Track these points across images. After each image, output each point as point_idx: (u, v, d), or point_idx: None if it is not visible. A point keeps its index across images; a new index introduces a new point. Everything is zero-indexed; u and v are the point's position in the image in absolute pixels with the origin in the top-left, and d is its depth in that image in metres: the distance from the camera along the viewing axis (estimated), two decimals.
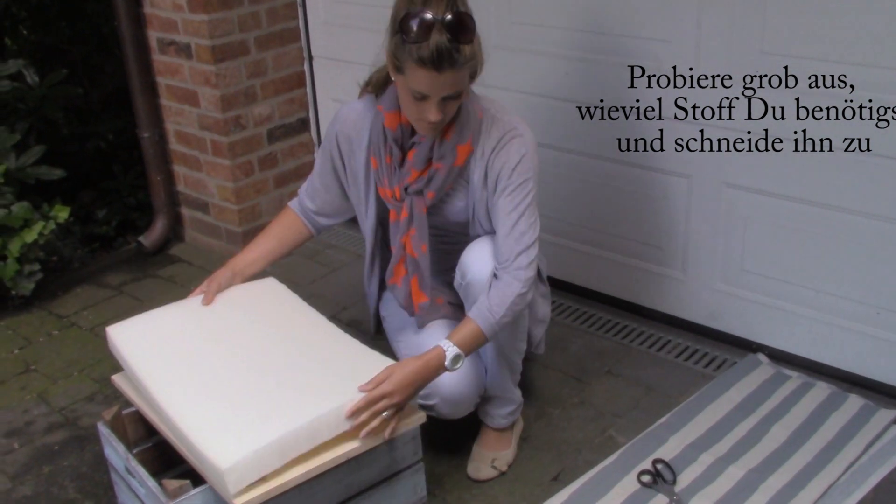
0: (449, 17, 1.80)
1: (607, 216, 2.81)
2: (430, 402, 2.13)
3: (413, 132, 2.04)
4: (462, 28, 1.82)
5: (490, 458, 2.24)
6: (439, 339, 1.98)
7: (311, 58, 3.44)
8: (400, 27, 1.83)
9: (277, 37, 3.32)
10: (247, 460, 1.74)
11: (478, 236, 2.12)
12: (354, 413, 1.84)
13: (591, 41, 2.63)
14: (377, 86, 2.09)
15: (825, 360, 2.51)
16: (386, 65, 1.98)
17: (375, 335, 2.40)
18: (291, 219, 2.34)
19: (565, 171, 2.83)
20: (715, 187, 2.54)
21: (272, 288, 2.33)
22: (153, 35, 3.30)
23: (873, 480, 2.10)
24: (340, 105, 2.21)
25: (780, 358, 2.58)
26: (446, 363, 1.92)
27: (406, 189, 2.07)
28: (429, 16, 1.79)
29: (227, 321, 2.16)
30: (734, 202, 2.52)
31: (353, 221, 2.31)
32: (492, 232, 2.07)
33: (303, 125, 3.51)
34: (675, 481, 2.13)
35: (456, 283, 2.12)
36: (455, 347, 1.93)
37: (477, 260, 2.04)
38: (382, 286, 2.36)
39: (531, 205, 2.01)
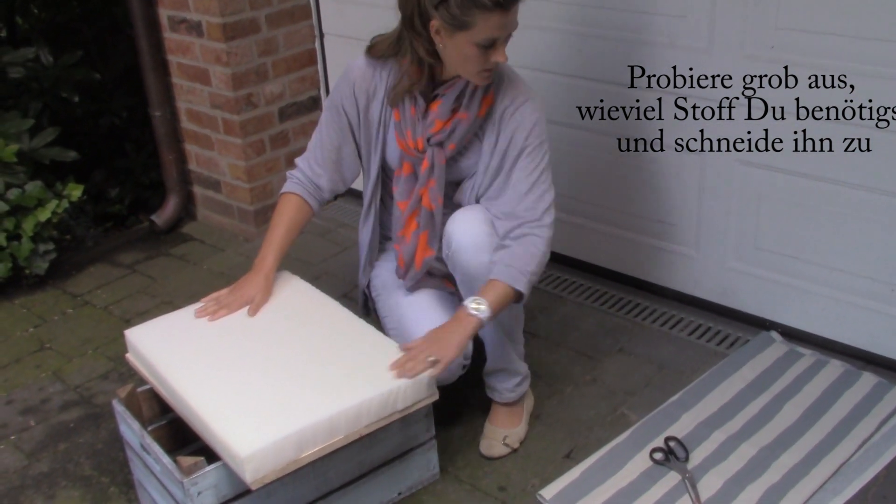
0: None
1: (620, 193, 2.80)
2: None
3: (435, 85, 2.06)
4: None
5: (502, 434, 2.24)
6: (433, 309, 2.13)
7: (321, 35, 3.43)
8: None
9: (288, 14, 3.31)
10: (266, 450, 1.75)
11: (459, 206, 2.15)
12: (396, 366, 1.94)
13: (601, 17, 2.61)
14: (385, 54, 2.10)
15: (839, 338, 2.50)
16: (393, 32, 2.04)
17: (363, 312, 2.40)
18: (296, 203, 2.27)
19: (578, 148, 2.82)
20: (728, 164, 2.53)
21: (288, 280, 2.33)
22: (164, 13, 3.29)
23: (886, 458, 2.10)
24: (347, 62, 2.20)
25: (794, 336, 2.57)
26: (481, 317, 1.96)
27: (428, 140, 2.08)
28: None
29: (244, 316, 2.18)
30: (747, 179, 2.51)
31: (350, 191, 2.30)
32: (474, 201, 2.14)
33: (314, 103, 3.51)
34: (687, 458, 2.14)
35: (444, 255, 2.13)
36: (484, 305, 1.96)
37: (462, 228, 2.06)
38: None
39: (547, 167, 2.09)
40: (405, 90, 2.06)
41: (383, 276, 2.35)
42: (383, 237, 2.37)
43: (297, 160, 2.31)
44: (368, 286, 2.40)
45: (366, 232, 2.34)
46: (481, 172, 2.12)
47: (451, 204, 2.17)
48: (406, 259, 2.21)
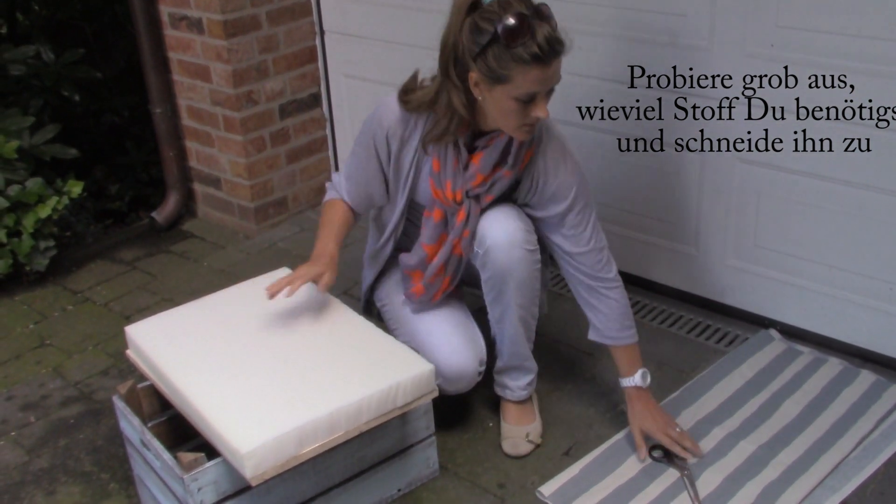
0: (534, 6, 1.82)
1: (619, 192, 2.81)
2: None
3: (476, 136, 2.03)
4: (549, 14, 1.85)
5: (524, 432, 2.25)
6: (446, 321, 2.18)
7: (322, 32, 3.43)
8: (498, 37, 1.80)
9: (289, 11, 3.31)
10: (266, 446, 1.76)
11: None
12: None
13: (601, 15, 2.61)
14: (421, 108, 2.03)
15: (837, 336, 2.51)
16: (431, 88, 1.98)
17: (365, 314, 2.40)
18: (344, 207, 2.24)
19: (578, 147, 2.81)
20: (727, 162, 2.53)
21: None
22: (165, 10, 3.29)
23: (884, 456, 2.11)
24: (379, 102, 2.12)
25: (793, 333, 2.58)
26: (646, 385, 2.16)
27: (467, 192, 2.06)
28: (524, 12, 1.80)
29: (244, 313, 2.18)
30: (747, 177, 2.51)
31: None
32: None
33: (315, 100, 3.51)
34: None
35: (473, 254, 2.12)
36: (640, 372, 2.16)
37: (496, 227, 2.05)
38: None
39: (597, 220, 2.15)
40: (440, 137, 2.01)
41: (389, 286, 2.35)
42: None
43: (333, 182, 2.29)
44: (372, 292, 2.41)
45: (379, 257, 2.33)
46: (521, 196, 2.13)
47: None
48: (426, 296, 2.21)
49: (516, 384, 2.26)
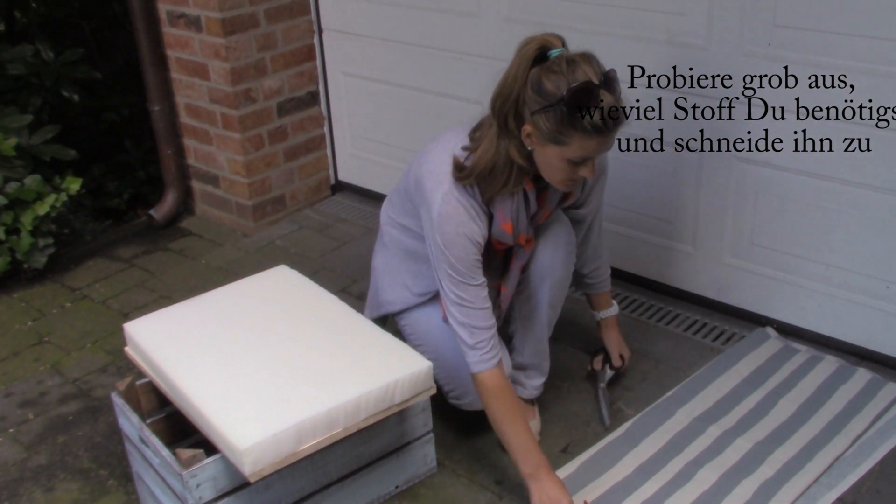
0: (603, 76, 1.77)
1: (618, 191, 2.80)
2: (462, 401, 2.17)
3: (538, 177, 1.96)
4: (616, 82, 1.80)
5: None
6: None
7: (320, 31, 3.44)
8: (568, 101, 1.74)
9: (287, 9, 3.31)
10: (265, 443, 1.76)
11: None
12: None
13: (600, 14, 2.62)
14: (485, 179, 1.90)
15: (834, 335, 2.51)
16: (488, 143, 1.88)
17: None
18: (505, 383, 2.01)
19: None
20: (726, 161, 2.54)
21: (285, 275, 2.34)
22: (163, 8, 3.29)
23: (879, 454, 2.11)
24: (446, 210, 1.90)
25: (790, 332, 2.59)
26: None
27: (532, 223, 2.07)
28: (594, 81, 1.75)
29: (243, 311, 2.19)
30: (744, 176, 2.52)
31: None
32: None
33: (312, 98, 3.51)
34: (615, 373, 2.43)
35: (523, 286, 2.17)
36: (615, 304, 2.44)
37: (543, 227, 2.12)
38: None
39: None
40: (500, 189, 1.92)
41: (418, 310, 2.25)
42: None
43: (477, 339, 1.97)
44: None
45: (409, 299, 2.22)
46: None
47: None
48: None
49: (531, 383, 2.28)
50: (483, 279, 1.97)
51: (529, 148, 1.86)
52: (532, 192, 1.97)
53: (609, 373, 2.41)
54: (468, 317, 1.95)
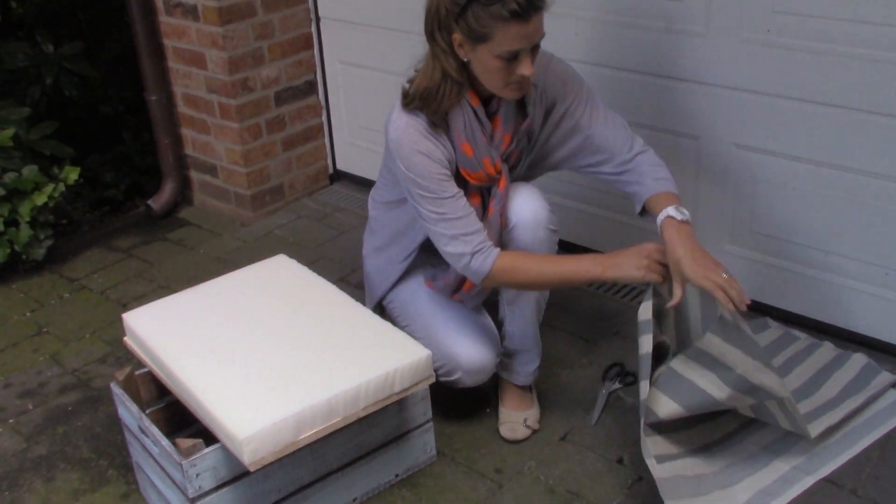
0: None
1: None
2: (452, 378, 2.17)
3: (487, 103, 2.02)
4: None
5: (522, 417, 2.25)
6: (465, 317, 2.16)
7: (318, 19, 3.42)
8: None
9: None
10: (264, 432, 1.76)
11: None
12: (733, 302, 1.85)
13: (598, 0, 2.61)
14: (427, 99, 1.95)
15: (834, 322, 2.51)
16: (421, 74, 1.95)
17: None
18: (517, 253, 2.07)
19: None
20: (724, 148, 2.53)
21: (284, 264, 2.34)
22: None
23: (865, 443, 2.11)
24: (396, 135, 1.99)
25: (789, 319, 2.58)
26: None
27: (501, 157, 2.06)
28: None
29: (242, 300, 2.18)
30: (744, 163, 2.51)
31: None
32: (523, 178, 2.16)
33: (310, 87, 3.50)
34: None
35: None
36: (674, 206, 1.99)
37: (521, 206, 2.05)
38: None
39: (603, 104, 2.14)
40: (440, 104, 1.95)
41: (400, 285, 2.32)
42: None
43: (473, 242, 2.00)
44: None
45: (397, 269, 2.27)
46: (537, 143, 2.12)
47: None
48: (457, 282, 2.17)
49: (524, 369, 2.27)
50: (457, 190, 2.00)
51: (465, 59, 1.90)
52: (480, 109, 1.99)
53: (616, 385, 2.38)
54: (456, 228, 1.98)
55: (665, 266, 1.92)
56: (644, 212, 2.10)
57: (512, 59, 1.86)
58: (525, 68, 1.87)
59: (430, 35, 1.92)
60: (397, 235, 2.26)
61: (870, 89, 2.21)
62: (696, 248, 1.92)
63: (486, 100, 2.01)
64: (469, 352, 2.14)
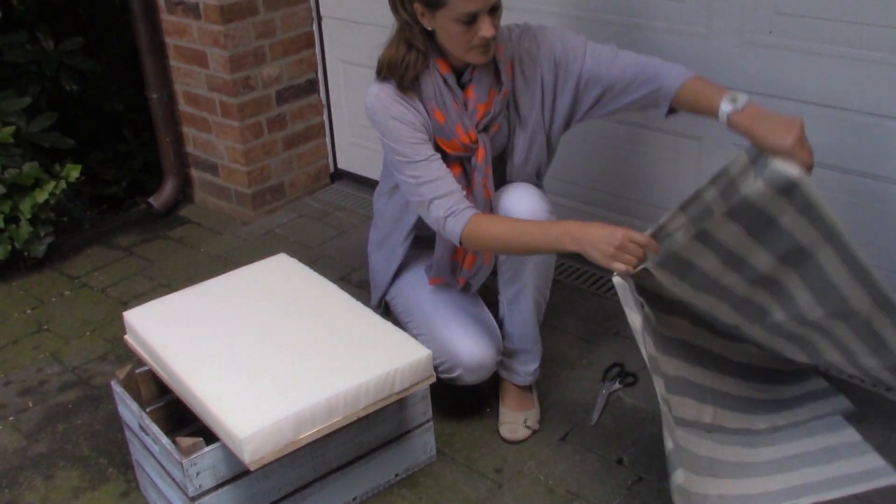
0: None
1: (617, 179, 2.81)
2: (453, 374, 2.17)
3: (460, 74, 2.05)
4: None
5: (522, 417, 2.26)
6: (464, 310, 2.17)
7: (319, 18, 3.42)
8: None
9: None
10: (264, 431, 1.77)
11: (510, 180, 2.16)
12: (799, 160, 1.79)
13: (599, 1, 2.61)
14: (393, 68, 2.01)
15: None
16: (387, 46, 2.03)
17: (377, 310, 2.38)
18: (490, 215, 2.09)
19: (575, 134, 2.82)
20: (725, 149, 2.53)
21: (284, 263, 2.34)
22: None
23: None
24: (371, 102, 2.05)
25: None
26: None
27: (477, 127, 2.06)
28: None
29: (242, 299, 2.19)
30: None
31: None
32: (530, 167, 2.17)
33: (311, 86, 3.50)
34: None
35: None
36: (724, 98, 1.92)
37: (519, 204, 2.05)
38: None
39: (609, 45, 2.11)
40: (406, 71, 2.00)
41: (400, 280, 2.34)
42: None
43: (447, 205, 2.00)
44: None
45: (398, 253, 2.30)
46: (538, 128, 2.12)
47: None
48: (477, 261, 2.17)
49: (524, 369, 2.27)
50: (432, 153, 2.02)
51: (429, 28, 1.95)
52: (451, 76, 2.02)
53: (616, 386, 2.39)
54: (432, 191, 1.99)
55: (637, 257, 1.83)
56: (672, 111, 2.06)
57: (471, 21, 1.89)
58: (485, 30, 1.90)
59: (394, 8, 1.98)
60: (396, 222, 2.29)
61: (870, 91, 2.21)
62: (771, 117, 1.86)
63: (461, 71, 2.04)
64: (470, 348, 2.15)
